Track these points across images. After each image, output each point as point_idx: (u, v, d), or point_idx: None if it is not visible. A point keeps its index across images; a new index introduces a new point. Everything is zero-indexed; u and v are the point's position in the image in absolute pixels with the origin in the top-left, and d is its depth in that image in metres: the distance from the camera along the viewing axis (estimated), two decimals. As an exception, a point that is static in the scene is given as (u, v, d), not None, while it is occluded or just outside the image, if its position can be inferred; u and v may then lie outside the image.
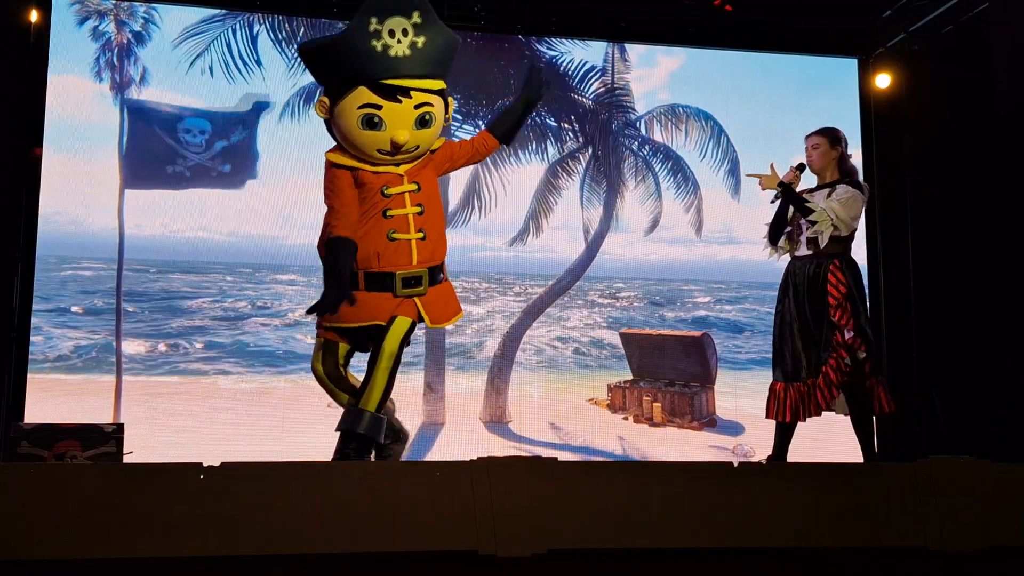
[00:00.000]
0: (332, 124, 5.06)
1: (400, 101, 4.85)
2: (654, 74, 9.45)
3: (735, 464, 4.69)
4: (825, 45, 9.43)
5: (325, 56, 4.95)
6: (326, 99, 4.96)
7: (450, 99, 5.14)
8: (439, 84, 5.01)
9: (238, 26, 8.54)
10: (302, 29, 8.68)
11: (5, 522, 3.56)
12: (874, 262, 9.27)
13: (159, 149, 8.34)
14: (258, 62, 8.57)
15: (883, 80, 9.26)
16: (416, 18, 4.82)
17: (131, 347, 8.18)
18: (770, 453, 6.00)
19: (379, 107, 4.82)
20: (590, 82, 9.23)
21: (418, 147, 5.00)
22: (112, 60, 8.29)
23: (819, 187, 6.14)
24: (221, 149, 8.44)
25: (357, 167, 4.99)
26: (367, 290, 4.89)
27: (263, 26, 8.59)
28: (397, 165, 4.99)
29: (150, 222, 8.37)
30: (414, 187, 4.98)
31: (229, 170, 8.47)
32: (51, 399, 7.82)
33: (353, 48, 4.80)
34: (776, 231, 6.15)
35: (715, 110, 9.39)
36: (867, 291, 9.18)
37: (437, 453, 8.09)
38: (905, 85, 9.17)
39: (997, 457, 4.77)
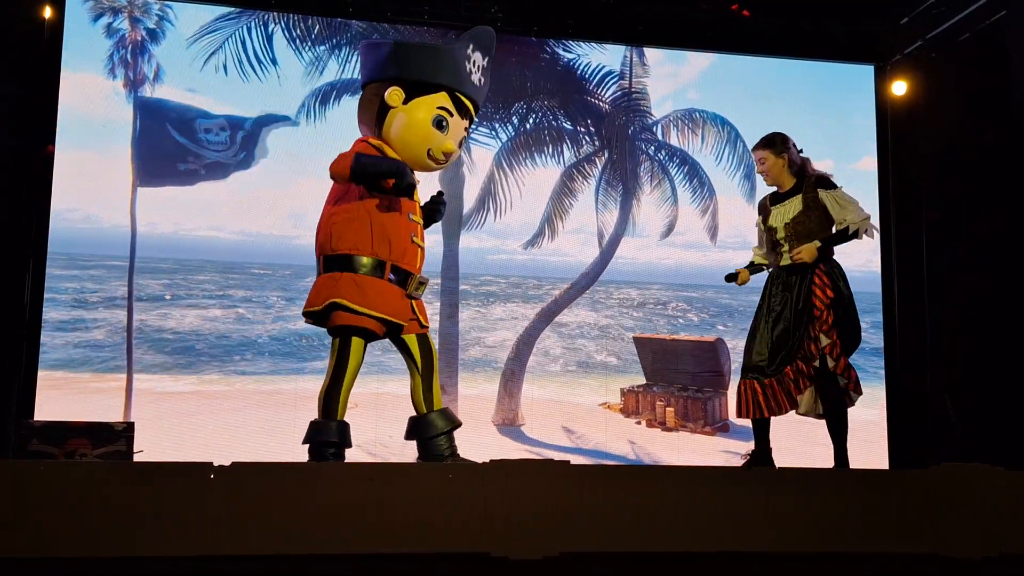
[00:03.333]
0: (393, 117, 5.29)
1: (463, 118, 5.37)
2: (672, 78, 9.44)
3: (747, 469, 4.67)
4: (842, 51, 9.42)
5: (429, 56, 5.34)
6: (400, 90, 5.25)
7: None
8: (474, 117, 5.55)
9: (253, 24, 8.55)
10: (317, 27, 8.68)
11: (15, 519, 3.55)
12: (889, 269, 9.25)
13: (172, 146, 8.34)
14: (273, 61, 8.58)
15: (900, 87, 9.25)
16: (486, 62, 5.47)
17: (142, 346, 8.18)
18: (751, 452, 5.96)
19: (451, 114, 5.30)
20: (607, 86, 9.23)
21: (446, 160, 5.42)
22: (126, 57, 8.29)
23: (783, 196, 6.01)
24: (241, 140, 8.46)
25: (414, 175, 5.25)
26: (391, 281, 5.10)
27: (278, 25, 8.60)
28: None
29: (163, 220, 8.37)
30: (419, 201, 5.36)
31: (244, 167, 8.49)
32: (61, 397, 7.82)
33: (453, 59, 5.30)
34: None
35: (732, 115, 9.39)
36: (881, 298, 9.27)
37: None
38: (922, 92, 9.15)
39: (1009, 464, 4.74)
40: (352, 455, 7.79)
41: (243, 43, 8.51)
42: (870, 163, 9.44)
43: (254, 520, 3.66)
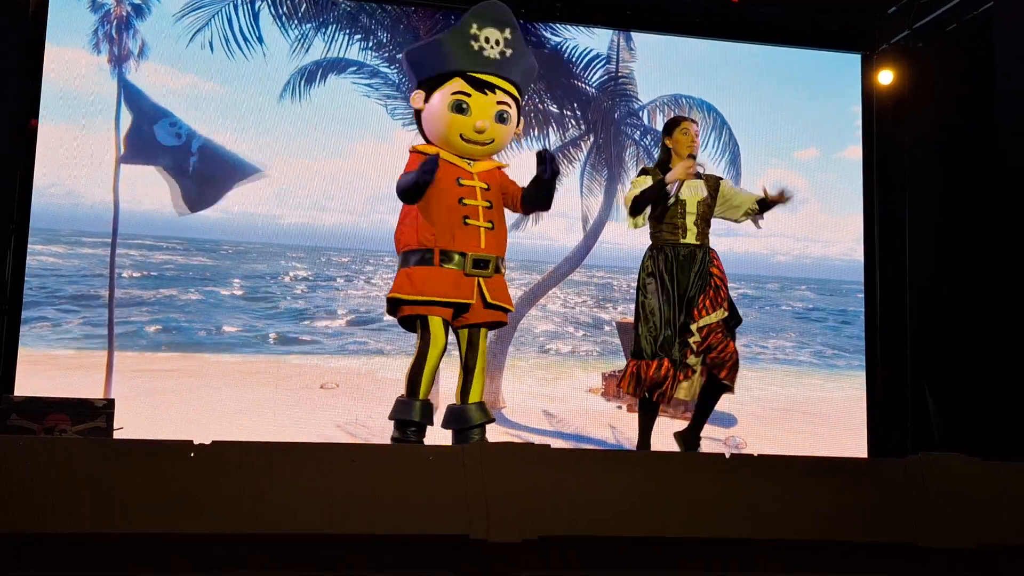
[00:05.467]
0: (422, 116, 5.54)
1: (486, 94, 5.44)
2: (659, 64, 9.43)
3: (727, 455, 4.68)
4: (829, 40, 9.43)
5: (430, 51, 5.55)
6: (422, 91, 5.48)
7: (522, 118, 5.71)
8: (515, 91, 5.59)
9: (239, 1, 8.49)
10: (304, 6, 8.65)
11: (-7, 494, 3.55)
12: (871, 258, 9.28)
13: (153, 124, 8.31)
14: (259, 39, 8.54)
15: (886, 76, 9.25)
16: (508, 33, 5.50)
17: (123, 323, 8.15)
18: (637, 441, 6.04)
19: (468, 95, 5.40)
20: (594, 70, 9.22)
21: (493, 141, 5.52)
22: (111, 32, 8.24)
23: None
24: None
25: (438, 152, 5.36)
26: (441, 265, 5.25)
27: (265, 2, 8.56)
28: (470, 164, 5.47)
29: (145, 197, 8.34)
30: (484, 186, 5.43)
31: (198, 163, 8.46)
32: (42, 373, 7.80)
33: (455, 44, 5.43)
34: (644, 205, 6.01)
35: (718, 102, 9.39)
36: (863, 287, 9.31)
37: (430, 437, 8.07)
38: (908, 82, 9.16)
39: (988, 455, 4.76)
40: (332, 435, 7.83)
41: (229, 20, 8.47)
42: (855, 152, 9.46)
43: (234, 499, 3.65)
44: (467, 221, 5.28)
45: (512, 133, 5.64)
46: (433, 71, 5.47)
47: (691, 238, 5.88)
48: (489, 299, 5.32)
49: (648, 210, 5.92)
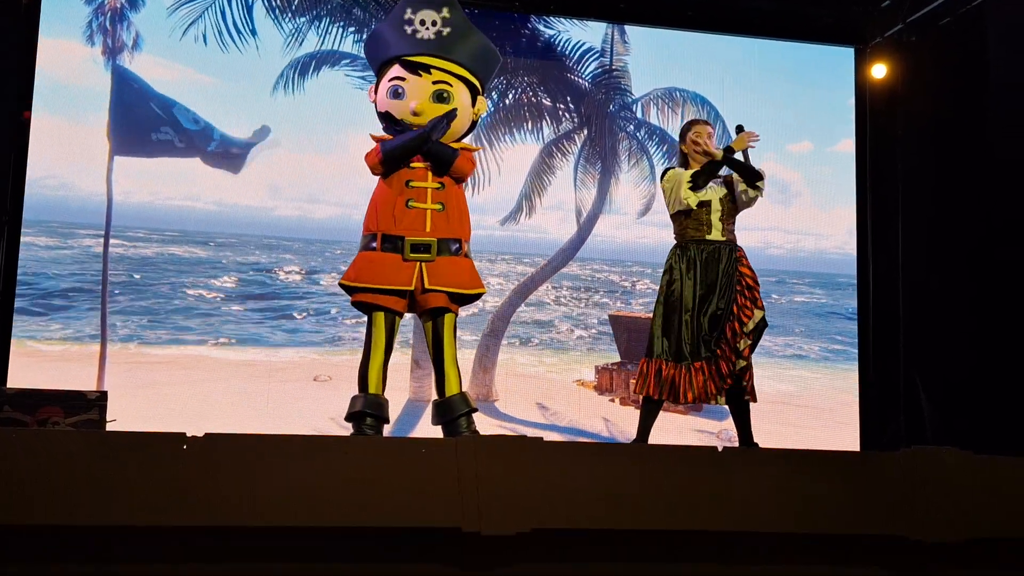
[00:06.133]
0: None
1: (420, 75, 5.37)
2: (652, 57, 9.43)
3: (720, 448, 4.68)
4: (823, 33, 9.43)
5: (373, 42, 5.62)
6: (373, 84, 5.51)
7: (481, 98, 5.56)
8: (462, 71, 5.44)
9: (233, -6, 8.50)
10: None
11: (-15, 486, 3.54)
12: (864, 252, 9.28)
13: (148, 116, 8.29)
14: (253, 32, 8.53)
15: (879, 70, 9.26)
16: (445, 13, 5.41)
17: (116, 315, 8.15)
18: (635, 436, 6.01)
19: (403, 79, 5.37)
20: (588, 63, 9.22)
21: (420, 117, 5.37)
22: (105, 24, 8.23)
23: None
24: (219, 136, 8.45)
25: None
26: (382, 251, 5.20)
27: (258, -5, 8.56)
28: None
29: (139, 189, 8.33)
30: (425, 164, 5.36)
31: (219, 146, 8.45)
32: (34, 365, 7.79)
33: (390, 31, 5.45)
34: (708, 179, 6.00)
35: (711, 95, 9.39)
36: (856, 280, 9.31)
37: (423, 430, 8.08)
38: (901, 76, 9.17)
39: (980, 448, 4.77)
40: (325, 428, 7.84)
41: (223, 13, 8.46)
42: (848, 145, 9.47)
43: (227, 491, 3.65)
44: (410, 204, 5.23)
45: (468, 112, 5.51)
46: (377, 62, 5.52)
47: (716, 235, 5.89)
48: (427, 284, 5.19)
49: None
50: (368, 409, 5.13)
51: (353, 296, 5.28)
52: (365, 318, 5.32)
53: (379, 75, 5.48)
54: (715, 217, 5.91)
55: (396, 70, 5.38)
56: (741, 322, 5.78)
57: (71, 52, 8.19)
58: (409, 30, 5.38)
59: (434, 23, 5.39)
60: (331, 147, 8.65)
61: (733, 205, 5.98)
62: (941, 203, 8.68)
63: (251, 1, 8.52)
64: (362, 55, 8.63)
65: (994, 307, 7.89)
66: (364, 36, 8.77)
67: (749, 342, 5.79)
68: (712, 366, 5.75)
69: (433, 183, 5.29)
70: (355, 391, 5.25)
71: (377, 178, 5.34)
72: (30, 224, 7.92)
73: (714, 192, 5.96)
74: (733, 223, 5.99)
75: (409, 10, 5.40)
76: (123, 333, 8.13)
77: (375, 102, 5.50)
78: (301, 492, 3.68)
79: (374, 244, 5.22)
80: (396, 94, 5.36)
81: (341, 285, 5.31)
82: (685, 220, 5.96)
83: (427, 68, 5.37)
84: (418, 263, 5.19)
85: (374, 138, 5.41)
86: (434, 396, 5.40)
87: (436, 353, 5.32)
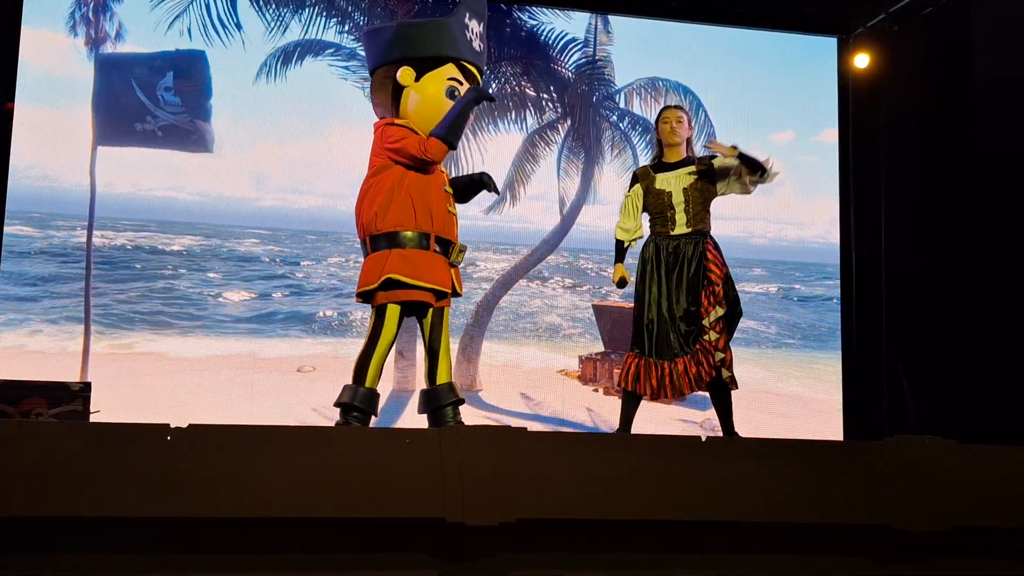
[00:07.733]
0: (406, 93, 5.41)
1: (470, 84, 5.44)
2: (635, 47, 9.43)
3: (703, 438, 4.69)
4: (806, 23, 9.43)
5: (432, 32, 5.46)
6: (411, 69, 5.38)
7: None
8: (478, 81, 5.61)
9: (216, -13, 8.48)
10: (281, -8, 8.63)
11: (-31, 478, 3.54)
12: (847, 241, 9.30)
13: (132, 106, 8.27)
14: (238, 25, 8.51)
15: (862, 60, 9.27)
16: (482, 27, 5.59)
17: (99, 306, 8.13)
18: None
19: (461, 83, 5.40)
20: (571, 53, 9.22)
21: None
22: (88, 15, 8.21)
23: (671, 166, 6.08)
24: (200, 108, 8.39)
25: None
26: (435, 252, 5.25)
27: (241, -14, 8.54)
28: None
29: (121, 180, 8.31)
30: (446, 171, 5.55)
31: (200, 132, 8.41)
32: (17, 356, 7.77)
33: (454, 30, 5.42)
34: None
35: (694, 85, 9.40)
36: (839, 270, 9.33)
37: (407, 420, 8.08)
38: (884, 65, 9.17)
39: (963, 437, 4.79)
40: (309, 418, 7.84)
41: (207, 7, 8.44)
42: (831, 135, 9.48)
43: (211, 482, 3.65)
44: (450, 209, 5.34)
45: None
46: (431, 52, 5.40)
47: (680, 228, 5.90)
48: (459, 290, 5.41)
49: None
50: (359, 403, 5.11)
51: (395, 292, 5.17)
52: (351, 309, 5.33)
53: (415, 63, 5.37)
54: (678, 210, 5.92)
55: (453, 71, 5.39)
56: (701, 316, 5.82)
57: (54, 43, 8.16)
58: (467, 36, 5.46)
59: (478, 35, 5.53)
60: (314, 137, 8.64)
61: (702, 193, 5.97)
62: (923, 192, 8.70)
63: (235, -3, 8.52)
64: (345, 45, 8.63)
65: (976, 296, 7.92)
66: (349, 26, 8.76)
67: (718, 336, 5.81)
68: (692, 362, 5.79)
69: (449, 187, 5.41)
70: (339, 381, 5.22)
71: (381, 172, 5.25)
72: (13, 215, 7.90)
73: (677, 182, 5.97)
74: (705, 211, 5.97)
75: (467, 15, 5.48)
76: (107, 324, 8.12)
77: (406, 86, 5.37)
78: (285, 483, 3.68)
79: (427, 243, 5.19)
80: (453, 96, 5.35)
81: (389, 279, 5.13)
82: (651, 215, 6.01)
83: (472, 78, 5.48)
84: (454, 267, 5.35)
85: (398, 124, 5.31)
86: (420, 386, 5.41)
87: (435, 340, 5.32)
